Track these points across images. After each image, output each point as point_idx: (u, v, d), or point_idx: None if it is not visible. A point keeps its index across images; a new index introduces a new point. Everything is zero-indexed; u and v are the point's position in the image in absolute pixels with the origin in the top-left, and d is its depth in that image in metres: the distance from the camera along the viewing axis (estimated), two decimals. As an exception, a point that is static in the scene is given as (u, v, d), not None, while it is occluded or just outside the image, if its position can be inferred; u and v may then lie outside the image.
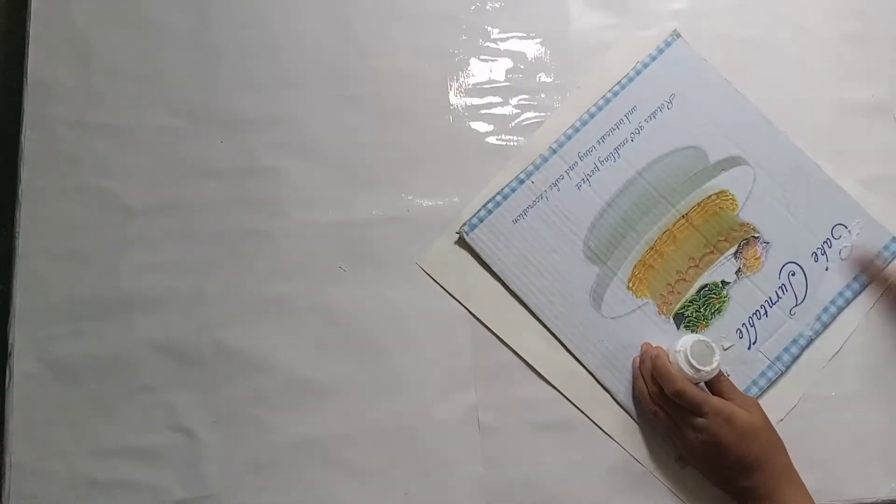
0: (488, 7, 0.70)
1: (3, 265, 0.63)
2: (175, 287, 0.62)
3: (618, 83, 0.67)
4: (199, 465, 0.58)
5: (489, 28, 0.70)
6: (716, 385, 0.56)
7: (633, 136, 0.66)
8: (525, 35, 0.70)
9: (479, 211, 0.64)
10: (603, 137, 0.66)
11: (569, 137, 0.66)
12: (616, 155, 0.65)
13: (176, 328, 0.61)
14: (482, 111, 0.67)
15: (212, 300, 0.61)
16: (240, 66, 0.67)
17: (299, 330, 0.61)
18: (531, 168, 0.65)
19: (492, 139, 0.66)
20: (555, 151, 0.65)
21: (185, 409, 0.59)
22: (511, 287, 0.62)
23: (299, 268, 0.62)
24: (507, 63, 0.69)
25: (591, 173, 0.65)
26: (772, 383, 0.61)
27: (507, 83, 0.68)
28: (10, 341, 0.60)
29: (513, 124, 0.67)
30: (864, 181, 0.66)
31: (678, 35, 0.68)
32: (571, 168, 0.65)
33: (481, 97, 0.68)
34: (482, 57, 0.69)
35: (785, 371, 0.61)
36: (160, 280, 0.62)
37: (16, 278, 0.61)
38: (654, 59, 0.68)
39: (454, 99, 0.67)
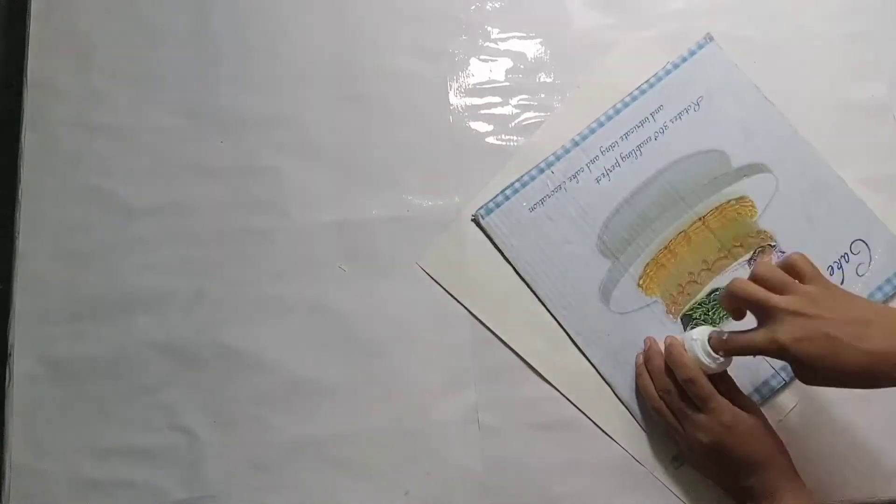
0: (488, 7, 0.70)
1: (3, 265, 0.63)
2: (175, 287, 0.62)
3: (646, 81, 0.67)
4: (199, 465, 0.58)
5: (489, 28, 0.70)
6: (718, 382, 0.56)
7: (657, 135, 0.66)
8: (525, 35, 0.70)
9: (496, 196, 0.64)
10: (626, 134, 0.66)
11: (592, 131, 0.66)
12: (638, 152, 0.65)
13: (176, 328, 0.61)
14: (482, 111, 0.67)
15: (212, 300, 0.61)
16: (240, 66, 0.67)
17: (299, 330, 0.61)
18: (552, 158, 0.65)
19: (492, 139, 0.66)
20: (577, 144, 0.65)
21: (185, 409, 0.59)
22: (522, 274, 0.62)
23: (299, 268, 0.63)
24: (507, 63, 0.69)
25: (611, 168, 0.65)
26: (774, 392, 0.60)
27: (507, 83, 0.68)
28: (10, 341, 0.60)
29: (513, 124, 0.67)
30: (864, 181, 0.66)
31: (711, 38, 0.68)
32: (592, 162, 0.65)
33: (481, 97, 0.68)
34: (482, 57, 0.69)
35: (789, 381, 0.60)
36: (160, 280, 0.62)
37: (16, 278, 0.61)
38: (684, 60, 0.68)
39: (454, 99, 0.67)
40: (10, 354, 0.60)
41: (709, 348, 0.54)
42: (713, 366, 0.54)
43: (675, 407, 0.56)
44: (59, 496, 0.57)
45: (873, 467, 0.59)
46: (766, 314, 0.50)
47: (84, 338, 0.60)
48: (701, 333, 0.55)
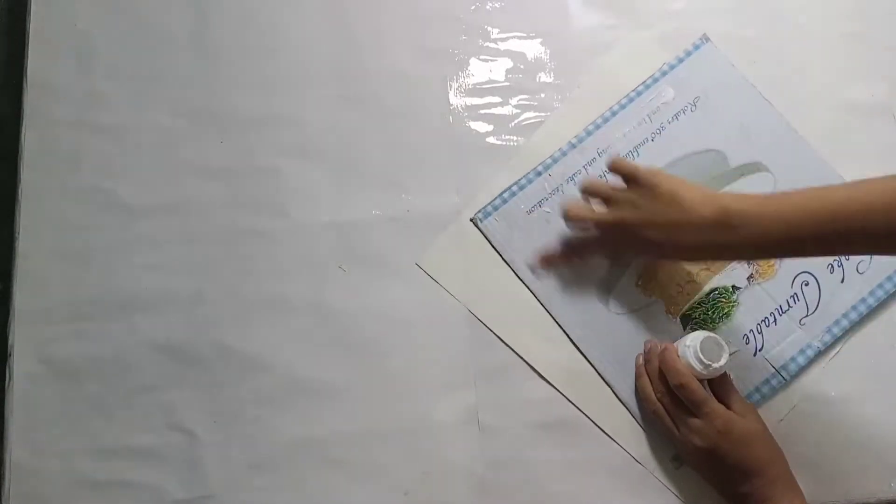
0: (488, 7, 0.70)
1: (3, 265, 0.63)
2: (175, 287, 0.62)
3: (642, 83, 0.67)
4: (199, 465, 0.58)
5: (489, 28, 0.70)
6: (717, 385, 0.56)
7: (653, 136, 0.66)
8: (525, 35, 0.70)
9: (494, 200, 0.64)
10: (624, 135, 0.66)
11: (589, 133, 0.66)
12: (635, 153, 0.65)
13: (176, 328, 0.61)
14: (482, 111, 0.67)
15: (212, 300, 0.61)
16: (240, 66, 0.67)
17: (299, 330, 0.61)
18: (549, 161, 0.65)
19: (492, 139, 0.66)
20: (574, 146, 0.65)
21: (185, 409, 0.59)
22: (521, 276, 0.62)
23: (299, 268, 0.62)
24: (507, 63, 0.69)
25: (608, 171, 0.65)
26: (775, 392, 0.60)
27: (507, 83, 0.68)
28: (10, 341, 0.60)
29: (513, 124, 0.67)
30: (864, 181, 0.66)
31: (707, 39, 0.68)
32: (590, 164, 0.65)
33: (481, 97, 0.68)
34: (482, 57, 0.69)
35: (790, 381, 0.60)
36: (160, 280, 0.62)
37: (16, 278, 0.61)
38: (681, 60, 0.68)
39: (454, 99, 0.67)
40: (10, 354, 0.60)
41: (701, 355, 0.54)
42: (705, 372, 0.54)
43: (671, 410, 0.56)
44: (59, 496, 0.57)
45: (873, 467, 0.59)
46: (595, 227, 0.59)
47: (84, 338, 0.60)
48: (694, 340, 0.55)
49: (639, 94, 0.67)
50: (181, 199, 0.64)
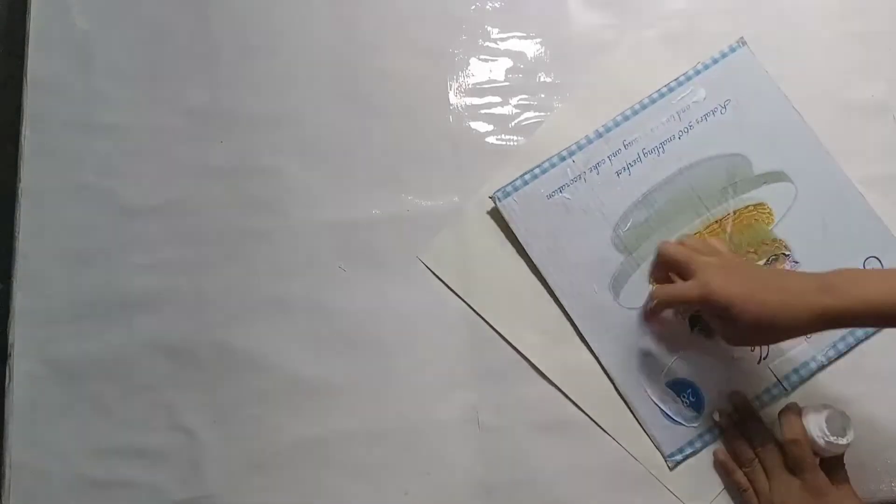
0: (488, 7, 0.70)
1: (3, 265, 0.63)
2: (175, 287, 0.62)
3: (675, 79, 0.67)
4: (199, 465, 0.58)
5: (489, 28, 0.70)
6: (828, 467, 0.54)
7: (681, 133, 0.66)
8: (525, 35, 0.70)
9: (514, 180, 0.64)
10: (651, 130, 0.66)
11: (617, 124, 0.66)
12: (661, 149, 0.65)
13: (176, 328, 0.61)
14: (482, 111, 0.67)
15: (212, 300, 0.61)
16: (240, 66, 0.67)
17: (299, 330, 0.61)
18: (574, 147, 0.65)
19: (492, 139, 0.66)
20: (601, 135, 0.65)
21: (185, 409, 0.59)
22: (533, 259, 0.62)
23: (299, 268, 0.63)
24: (506, 63, 0.69)
25: (632, 163, 0.65)
26: (774, 400, 0.60)
27: (506, 83, 0.68)
28: (10, 341, 0.60)
29: (513, 124, 0.67)
30: (864, 181, 0.65)
31: (744, 43, 0.68)
32: (614, 154, 0.65)
33: (481, 97, 0.68)
34: (482, 57, 0.69)
35: (790, 391, 0.60)
36: (160, 280, 0.62)
37: (16, 278, 0.61)
38: (715, 62, 0.68)
39: (454, 99, 0.67)
40: (10, 354, 0.60)
41: (825, 426, 0.52)
42: (821, 442, 0.52)
43: (767, 464, 0.55)
44: (59, 496, 0.57)
45: (873, 467, 0.59)
46: (693, 272, 0.54)
47: (84, 338, 0.60)
48: (818, 412, 0.54)
49: (670, 90, 0.67)
50: (181, 199, 0.64)
